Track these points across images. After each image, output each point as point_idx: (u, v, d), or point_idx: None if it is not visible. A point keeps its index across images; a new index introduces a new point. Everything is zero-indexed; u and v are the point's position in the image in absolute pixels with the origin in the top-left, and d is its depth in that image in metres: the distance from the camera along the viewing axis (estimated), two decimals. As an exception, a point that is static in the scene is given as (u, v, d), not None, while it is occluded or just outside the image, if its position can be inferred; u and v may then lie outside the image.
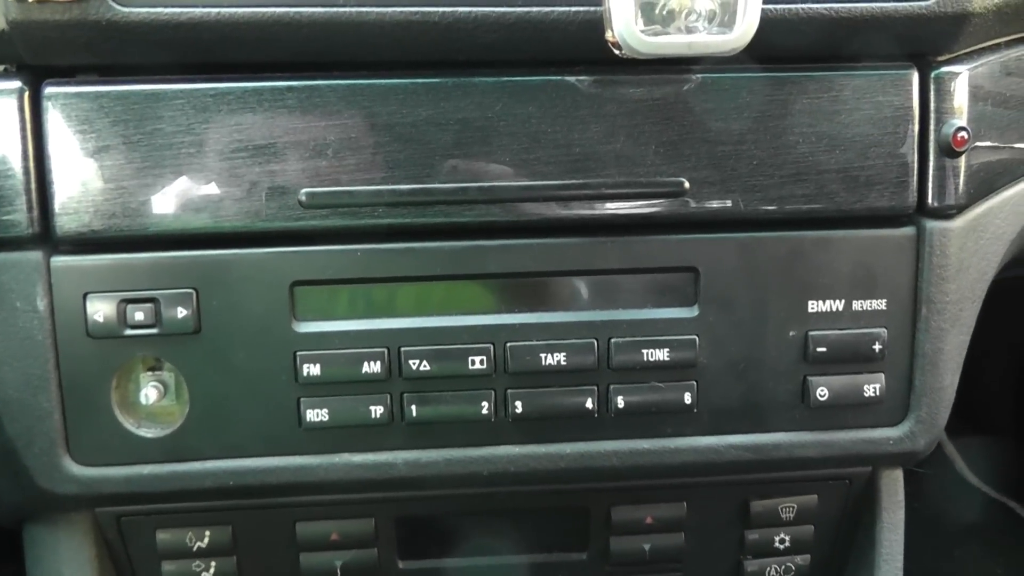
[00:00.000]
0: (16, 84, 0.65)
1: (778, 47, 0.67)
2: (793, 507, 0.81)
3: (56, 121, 0.65)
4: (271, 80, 0.67)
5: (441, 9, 0.64)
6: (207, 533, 0.75)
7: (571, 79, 0.68)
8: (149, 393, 0.67)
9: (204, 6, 0.63)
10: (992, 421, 1.48)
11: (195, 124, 0.66)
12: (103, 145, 0.66)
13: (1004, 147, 0.76)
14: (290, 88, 0.67)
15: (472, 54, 0.67)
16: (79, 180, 0.65)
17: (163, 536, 0.75)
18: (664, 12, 0.62)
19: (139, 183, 0.66)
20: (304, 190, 0.67)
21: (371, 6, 0.64)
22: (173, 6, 0.62)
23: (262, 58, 0.67)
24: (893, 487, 0.83)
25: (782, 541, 0.83)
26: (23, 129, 0.65)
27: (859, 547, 0.85)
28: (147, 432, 0.68)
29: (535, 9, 0.65)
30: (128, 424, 0.68)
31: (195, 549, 0.75)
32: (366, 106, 0.67)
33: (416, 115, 0.67)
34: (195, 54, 0.66)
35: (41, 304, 0.65)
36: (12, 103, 0.65)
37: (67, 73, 0.67)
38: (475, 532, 0.79)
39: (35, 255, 0.66)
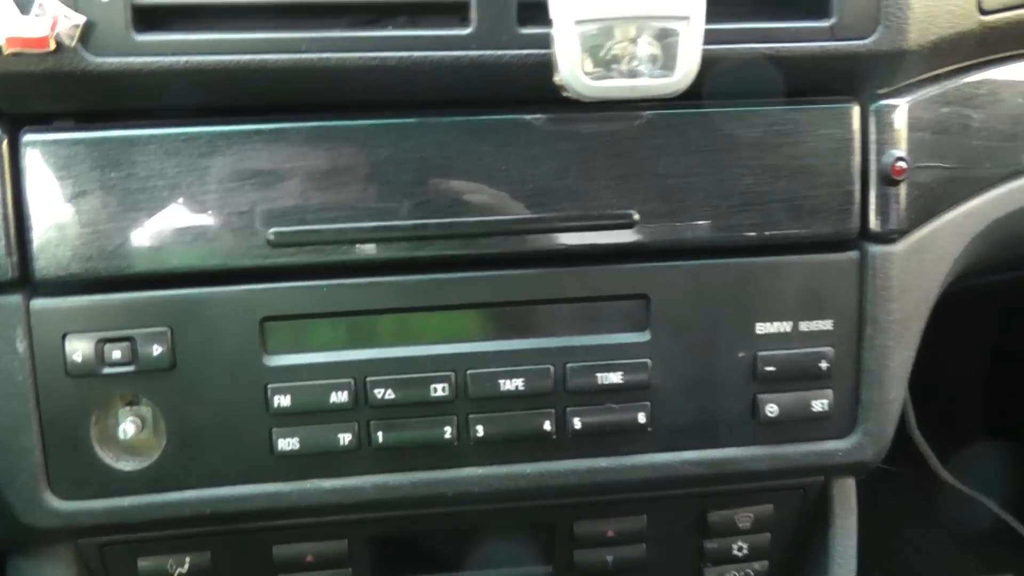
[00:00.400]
0: (-7, 133, 0.68)
1: (720, 86, 0.70)
2: (750, 516, 0.85)
3: (34, 167, 0.68)
4: (238, 124, 0.70)
5: (398, 54, 0.68)
6: (187, 559, 0.77)
7: (525, 117, 0.71)
8: (127, 428, 0.70)
9: (172, 54, 0.66)
10: (964, 422, 1.52)
11: (167, 168, 0.69)
12: (80, 190, 0.68)
13: (943, 173, 0.79)
14: (257, 131, 0.70)
15: (430, 95, 0.71)
16: (57, 224, 0.68)
17: (144, 564, 0.77)
18: (608, 56, 0.66)
19: (114, 226, 0.69)
20: (272, 229, 0.70)
21: (331, 51, 0.67)
22: (142, 55, 0.66)
23: (230, 103, 0.70)
24: (845, 495, 0.87)
25: (740, 549, 0.86)
26: (1, 175, 0.68)
27: (814, 552, 0.89)
28: (126, 465, 0.71)
29: (488, 53, 0.68)
30: (107, 458, 0.71)
31: (176, 575, 0.78)
32: (329, 147, 0.70)
33: (377, 155, 0.70)
34: (165, 100, 0.69)
35: (21, 346, 0.68)
36: (-9, 152, 0.68)
37: (44, 120, 0.70)
38: (445, 550, 0.83)
39: (15, 298, 0.68)
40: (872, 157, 0.76)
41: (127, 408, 0.71)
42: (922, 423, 1.44)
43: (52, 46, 0.64)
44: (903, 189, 0.77)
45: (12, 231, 0.68)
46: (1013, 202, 0.84)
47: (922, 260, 0.80)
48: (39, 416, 0.69)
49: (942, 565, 1.27)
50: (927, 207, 0.79)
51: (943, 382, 1.49)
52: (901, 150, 0.76)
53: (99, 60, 0.65)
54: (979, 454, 1.43)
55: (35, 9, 0.63)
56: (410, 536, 0.83)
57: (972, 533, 1.34)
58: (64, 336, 0.69)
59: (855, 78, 0.74)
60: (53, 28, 0.64)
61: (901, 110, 0.76)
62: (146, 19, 0.66)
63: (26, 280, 0.69)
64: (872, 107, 0.75)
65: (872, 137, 0.75)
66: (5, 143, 0.68)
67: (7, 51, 0.63)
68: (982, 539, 1.33)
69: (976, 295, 1.26)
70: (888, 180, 0.76)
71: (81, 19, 0.65)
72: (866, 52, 0.72)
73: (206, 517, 0.73)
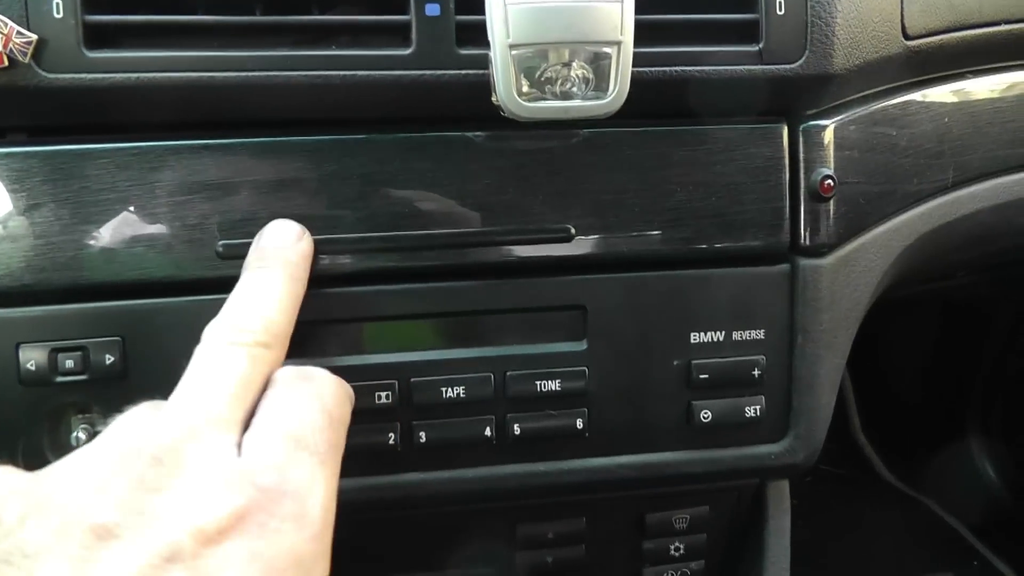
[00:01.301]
0: (-51, 146, 0.70)
1: (652, 107, 0.74)
2: (686, 518, 0.88)
3: (-13, 180, 0.70)
4: (187, 139, 0.72)
5: (342, 73, 0.70)
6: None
7: (466, 135, 0.74)
8: (79, 435, 0.72)
9: (123, 71, 0.68)
10: (909, 426, 1.57)
11: (118, 182, 0.71)
12: (33, 203, 0.70)
13: (871, 190, 0.83)
14: (205, 146, 0.72)
15: (374, 112, 0.73)
16: (10, 236, 0.70)
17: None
18: (543, 78, 0.69)
19: (67, 239, 0.71)
20: (221, 242, 0.72)
21: (277, 70, 0.70)
22: (93, 72, 0.68)
23: (180, 118, 0.72)
24: (779, 496, 0.90)
25: (677, 549, 0.89)
26: (-38, 191, 0.70)
27: (750, 551, 0.92)
28: (75, 470, 0.73)
29: (428, 72, 0.71)
30: (57, 464, 0.73)
31: None
32: (275, 162, 0.73)
33: (322, 170, 0.73)
34: (117, 115, 0.71)
35: (-25, 355, 0.70)
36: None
37: (-2, 134, 0.72)
38: (385, 554, 0.85)
39: (-31, 308, 0.70)
40: (801, 175, 0.79)
41: (79, 416, 0.73)
42: (869, 430, 1.49)
43: (5, 63, 0.67)
44: (832, 205, 0.80)
45: (-33, 243, 0.70)
46: (940, 216, 0.88)
47: (851, 272, 0.83)
48: None
49: (885, 565, 1.30)
50: (856, 222, 0.83)
51: (888, 386, 1.54)
52: (829, 168, 0.79)
53: (52, 76, 0.67)
54: (923, 457, 1.47)
55: (-12, 27, 0.66)
56: (351, 540, 0.85)
57: (915, 534, 1.38)
58: (18, 345, 0.71)
59: (783, 100, 0.78)
60: (6, 45, 0.66)
61: (829, 130, 0.79)
62: (97, 37, 0.68)
63: (-21, 290, 0.71)
64: (801, 127, 0.79)
65: (801, 156, 0.79)
66: (-42, 156, 0.70)
67: (-40, 68, 0.66)
68: (924, 540, 1.37)
69: (919, 300, 1.31)
70: (817, 197, 0.79)
71: (34, 36, 0.67)
72: (793, 76, 0.75)
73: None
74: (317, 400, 0.59)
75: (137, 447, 0.52)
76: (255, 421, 0.57)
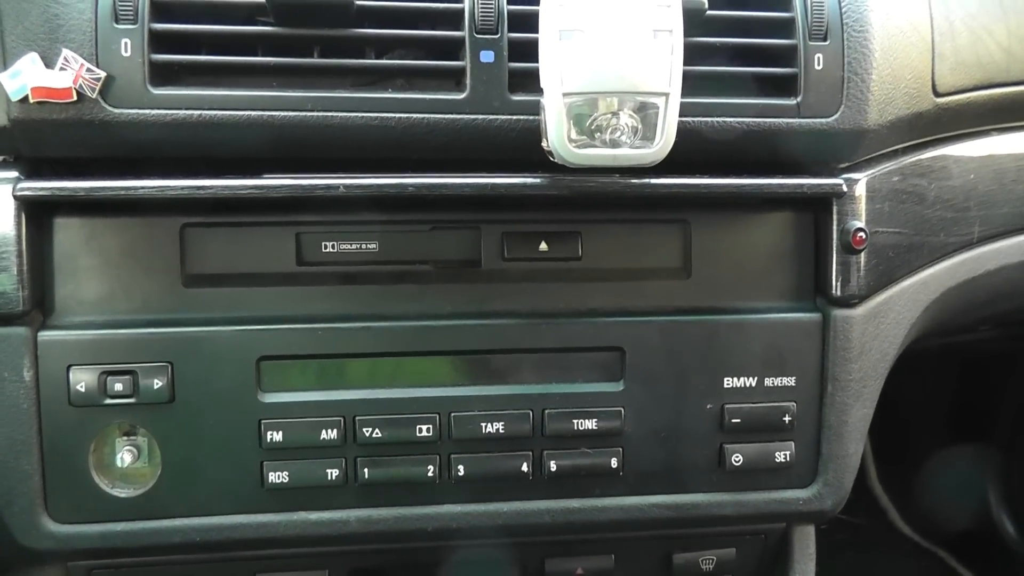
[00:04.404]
0: (13, 174, 0.72)
1: (694, 156, 0.76)
2: (713, 559, 0.89)
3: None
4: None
5: (398, 115, 0.73)
6: (172, 585, 0.80)
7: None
8: (124, 456, 0.73)
9: (186, 108, 0.71)
10: (925, 476, 1.57)
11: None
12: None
13: (900, 244, 0.85)
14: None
15: (426, 155, 0.76)
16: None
17: (131, 588, 0.80)
18: (593, 126, 0.71)
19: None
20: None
21: (336, 111, 0.72)
22: (158, 108, 0.70)
23: (238, 154, 0.74)
24: (805, 541, 0.91)
25: (703, 591, 0.90)
26: (19, 215, 0.71)
27: (775, 596, 0.93)
28: (121, 492, 0.74)
29: (480, 116, 0.73)
30: (103, 485, 0.74)
31: (161, 600, 0.81)
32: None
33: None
34: (176, 151, 0.74)
35: (27, 375, 0.72)
36: (8, 191, 0.71)
37: (59, 164, 0.73)
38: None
39: (24, 330, 0.72)
40: (833, 227, 0.81)
41: (124, 438, 0.74)
42: (884, 477, 1.49)
43: (74, 97, 0.69)
44: (863, 257, 0.82)
45: (26, 266, 0.72)
46: (966, 272, 0.90)
47: (880, 323, 0.85)
48: (40, 442, 0.73)
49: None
50: (885, 274, 0.85)
51: (905, 437, 1.55)
52: (861, 221, 0.81)
53: (117, 111, 0.70)
54: (939, 509, 1.47)
55: (60, 62, 0.68)
56: (387, 569, 0.86)
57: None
58: (69, 367, 0.72)
59: (819, 153, 0.80)
60: (76, 80, 0.69)
61: (861, 183, 0.82)
62: (163, 75, 0.71)
63: (35, 313, 0.73)
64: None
65: (834, 208, 0.81)
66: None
67: (32, 100, 0.68)
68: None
69: (938, 353, 1.32)
70: (849, 249, 0.81)
71: (102, 73, 0.69)
72: (829, 129, 0.78)
73: (195, 544, 0.76)
74: None
75: None
76: None
